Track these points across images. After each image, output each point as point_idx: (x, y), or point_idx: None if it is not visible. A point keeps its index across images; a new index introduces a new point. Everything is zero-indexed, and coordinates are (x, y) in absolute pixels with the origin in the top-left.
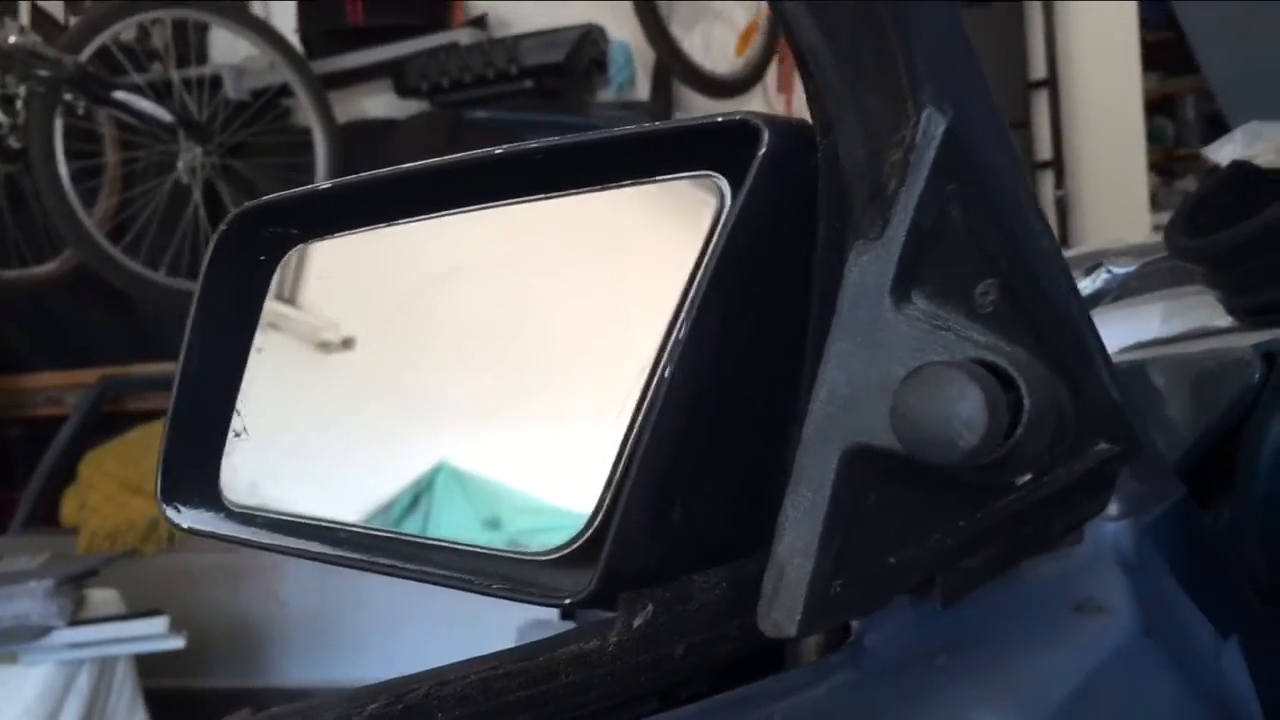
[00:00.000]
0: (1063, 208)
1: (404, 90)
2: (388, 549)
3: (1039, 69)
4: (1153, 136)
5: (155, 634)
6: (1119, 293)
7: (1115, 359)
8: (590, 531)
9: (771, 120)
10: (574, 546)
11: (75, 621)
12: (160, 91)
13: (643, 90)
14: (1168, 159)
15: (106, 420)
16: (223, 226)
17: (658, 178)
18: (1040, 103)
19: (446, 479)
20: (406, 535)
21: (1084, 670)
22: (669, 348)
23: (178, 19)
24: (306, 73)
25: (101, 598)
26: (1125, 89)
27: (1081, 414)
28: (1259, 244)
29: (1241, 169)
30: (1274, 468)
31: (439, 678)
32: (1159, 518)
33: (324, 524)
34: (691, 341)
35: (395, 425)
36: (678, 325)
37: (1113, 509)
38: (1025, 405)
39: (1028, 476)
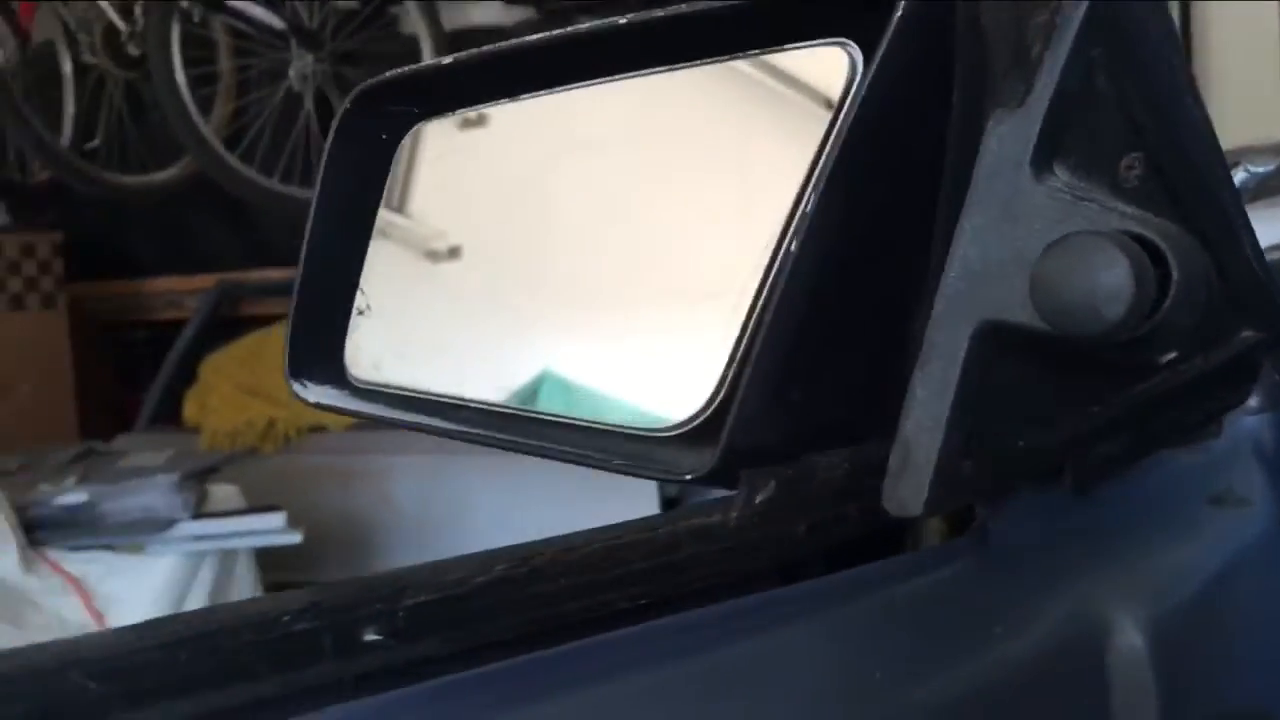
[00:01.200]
0: None
1: None
2: (508, 426)
3: None
4: None
5: (274, 529)
6: (1258, 191)
7: None
8: (712, 409)
9: None
10: (696, 423)
11: (199, 515)
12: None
13: None
14: None
15: (225, 325)
16: (346, 104)
17: (786, 46)
18: None
19: (558, 387)
20: (528, 411)
21: (1219, 563)
22: (795, 222)
23: None
24: None
25: (223, 493)
26: None
27: (1226, 298)
28: None
29: None
30: None
31: (565, 544)
32: None
33: (446, 400)
34: (819, 215)
35: (511, 327)
36: (805, 199)
37: (1253, 402)
38: (1174, 278)
39: (1171, 355)
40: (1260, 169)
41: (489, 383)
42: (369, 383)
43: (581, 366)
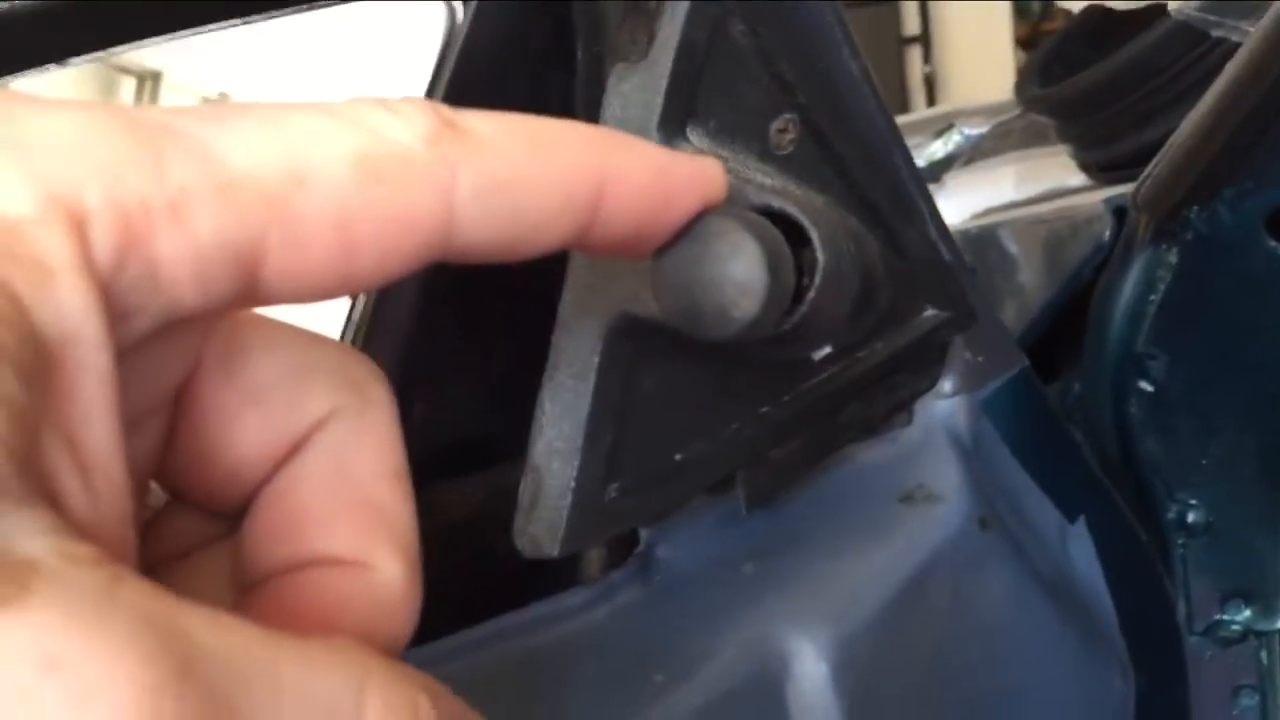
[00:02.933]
0: (930, 84)
1: None
2: None
3: None
4: (1019, 11)
5: None
6: (971, 155)
7: (968, 224)
8: None
9: None
10: None
11: None
12: None
13: None
14: (1034, 33)
15: None
16: None
17: None
18: None
19: None
20: None
21: (907, 570)
22: None
23: None
24: None
25: None
26: None
27: (902, 275)
28: (1109, 90)
29: (1094, 13)
30: (1124, 330)
31: None
32: (997, 392)
33: None
34: None
35: None
36: None
37: (946, 385)
38: (819, 261)
39: (826, 351)
40: (974, 131)
41: None
42: None
43: None
